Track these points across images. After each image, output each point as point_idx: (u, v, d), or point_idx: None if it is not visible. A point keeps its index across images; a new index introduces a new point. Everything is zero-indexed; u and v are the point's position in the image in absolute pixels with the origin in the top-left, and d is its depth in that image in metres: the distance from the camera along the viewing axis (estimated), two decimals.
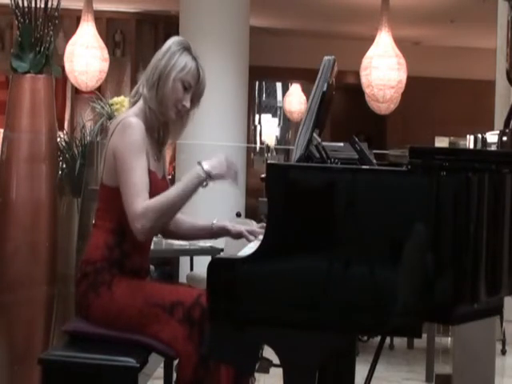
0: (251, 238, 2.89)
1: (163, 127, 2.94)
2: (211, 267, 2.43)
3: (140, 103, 2.88)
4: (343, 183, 2.38)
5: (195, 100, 2.91)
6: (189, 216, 3.12)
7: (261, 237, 2.75)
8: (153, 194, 2.74)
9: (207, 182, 2.76)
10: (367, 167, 2.65)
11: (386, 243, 2.35)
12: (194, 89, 2.89)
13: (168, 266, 6.24)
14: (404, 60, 7.15)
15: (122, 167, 2.75)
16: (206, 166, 2.76)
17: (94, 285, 2.79)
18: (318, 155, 2.75)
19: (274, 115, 14.19)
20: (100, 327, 2.79)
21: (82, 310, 2.84)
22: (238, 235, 2.96)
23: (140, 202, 2.70)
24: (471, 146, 3.84)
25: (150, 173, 2.80)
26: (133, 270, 2.84)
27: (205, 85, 2.93)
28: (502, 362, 5.37)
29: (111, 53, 8.72)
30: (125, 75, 9.48)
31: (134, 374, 2.70)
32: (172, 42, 2.92)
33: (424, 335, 4.39)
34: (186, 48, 2.90)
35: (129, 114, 2.85)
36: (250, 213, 6.61)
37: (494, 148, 3.59)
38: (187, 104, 2.88)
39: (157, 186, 2.81)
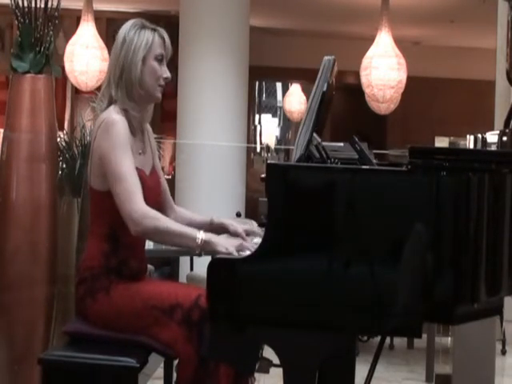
0: (248, 239, 2.85)
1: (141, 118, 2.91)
2: (211, 267, 2.43)
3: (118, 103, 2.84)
4: (343, 183, 2.38)
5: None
6: (188, 211, 3.12)
7: (256, 240, 2.75)
8: (143, 191, 2.72)
9: (200, 252, 2.69)
10: (367, 167, 2.65)
11: (386, 243, 2.35)
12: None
13: (168, 265, 6.24)
14: (404, 60, 7.15)
15: (110, 166, 2.71)
16: (203, 235, 2.68)
17: (91, 290, 2.79)
18: (317, 155, 2.75)
19: (274, 115, 14.18)
20: (100, 329, 2.79)
21: (80, 313, 2.84)
22: (235, 234, 2.93)
23: (138, 199, 2.67)
24: (471, 146, 3.84)
25: (137, 170, 2.76)
26: (131, 274, 2.84)
27: (170, 48, 2.88)
28: (502, 362, 5.37)
29: None
30: None
31: (134, 374, 2.70)
32: (124, 31, 2.84)
33: (424, 335, 4.38)
34: (141, 26, 2.84)
35: (111, 113, 2.79)
36: (250, 213, 6.61)
37: (494, 148, 3.59)
38: (168, 75, 2.86)
39: (145, 183, 2.79)
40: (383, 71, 7.08)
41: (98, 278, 2.78)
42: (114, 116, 2.77)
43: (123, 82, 2.82)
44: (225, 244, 2.64)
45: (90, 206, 2.91)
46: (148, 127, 2.99)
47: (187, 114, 6.59)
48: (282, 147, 13.31)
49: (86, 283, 2.80)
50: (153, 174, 2.92)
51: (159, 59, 2.84)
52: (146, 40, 2.81)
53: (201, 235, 2.67)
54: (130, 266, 2.84)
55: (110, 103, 2.85)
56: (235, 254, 2.57)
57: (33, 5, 3.80)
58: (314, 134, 2.61)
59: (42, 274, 3.79)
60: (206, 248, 2.67)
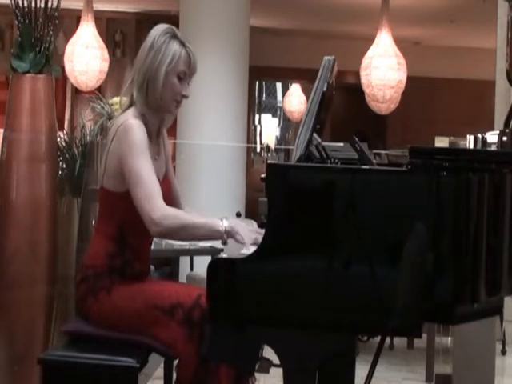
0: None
1: (159, 124, 2.92)
2: (211, 267, 2.43)
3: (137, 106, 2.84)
4: (343, 183, 2.38)
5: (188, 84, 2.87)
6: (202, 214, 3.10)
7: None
8: None
9: (225, 240, 2.69)
10: (367, 167, 2.65)
11: (386, 243, 2.35)
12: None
13: (168, 266, 6.24)
14: (404, 60, 7.15)
15: (130, 170, 2.70)
16: (226, 223, 2.67)
17: (93, 289, 2.78)
18: (318, 155, 2.75)
19: (274, 115, 14.19)
20: (100, 329, 2.79)
21: (81, 313, 2.84)
22: None
23: (158, 200, 2.66)
24: (471, 146, 3.85)
25: None
26: (134, 275, 2.84)
27: (196, 67, 2.87)
28: (502, 362, 5.37)
29: (111, 53, 8.71)
30: (125, 75, 9.48)
31: (134, 374, 2.70)
32: (155, 35, 2.82)
33: (424, 335, 4.39)
34: (172, 35, 2.83)
35: (129, 117, 2.79)
36: (250, 213, 6.61)
37: (494, 148, 3.59)
38: (186, 93, 2.85)
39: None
40: (383, 71, 7.08)
41: (101, 277, 2.78)
42: (132, 120, 2.76)
43: (144, 88, 2.80)
44: (244, 234, 2.65)
45: (99, 205, 2.91)
46: (163, 131, 2.99)
47: (187, 114, 6.59)
48: (282, 147, 13.32)
49: (88, 281, 2.80)
50: (165, 180, 2.93)
51: (181, 77, 2.82)
52: (173, 53, 2.79)
53: (223, 224, 2.67)
54: (133, 268, 2.84)
55: (130, 103, 2.85)
56: (248, 247, 2.58)
57: (33, 5, 3.81)
58: (314, 134, 2.61)
59: (42, 274, 3.79)
60: (229, 237, 2.68)
